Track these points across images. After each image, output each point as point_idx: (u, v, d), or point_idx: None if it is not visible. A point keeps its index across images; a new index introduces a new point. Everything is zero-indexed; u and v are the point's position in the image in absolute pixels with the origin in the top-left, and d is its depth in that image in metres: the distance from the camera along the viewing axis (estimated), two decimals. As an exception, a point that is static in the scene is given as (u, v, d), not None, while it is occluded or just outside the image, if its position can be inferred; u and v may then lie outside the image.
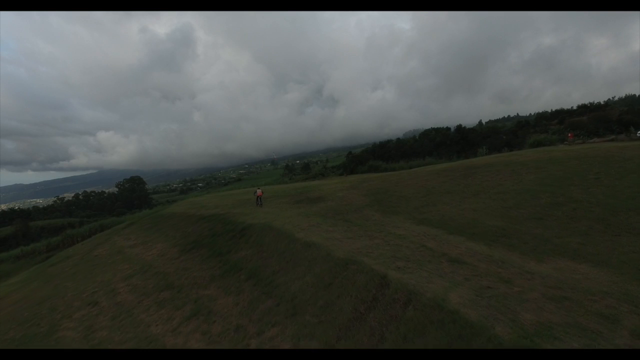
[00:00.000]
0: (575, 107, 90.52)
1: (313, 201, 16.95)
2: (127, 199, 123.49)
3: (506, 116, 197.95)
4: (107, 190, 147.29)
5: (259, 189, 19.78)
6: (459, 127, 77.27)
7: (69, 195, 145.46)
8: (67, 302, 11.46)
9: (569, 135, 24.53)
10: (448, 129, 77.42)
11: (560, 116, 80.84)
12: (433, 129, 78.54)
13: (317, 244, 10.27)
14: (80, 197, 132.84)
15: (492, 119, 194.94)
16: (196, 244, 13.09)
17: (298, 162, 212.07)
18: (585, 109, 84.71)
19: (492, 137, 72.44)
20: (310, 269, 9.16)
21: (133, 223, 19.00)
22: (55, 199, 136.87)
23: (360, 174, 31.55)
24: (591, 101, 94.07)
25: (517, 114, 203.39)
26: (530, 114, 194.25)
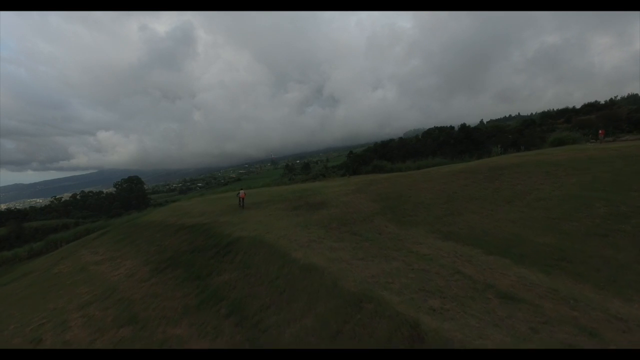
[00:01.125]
0: (580, 106, 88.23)
1: (313, 207, 14.56)
2: (125, 199, 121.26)
3: (507, 115, 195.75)
4: (105, 190, 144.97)
5: (242, 190, 18.90)
6: (463, 126, 74.82)
7: (68, 195, 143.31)
8: (5, 339, 9.08)
9: (600, 132, 22.16)
10: (452, 127, 75.00)
11: (566, 115, 78.43)
12: (436, 127, 76.12)
13: (319, 268, 7.88)
14: (78, 197, 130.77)
15: (494, 118, 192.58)
16: (172, 262, 10.72)
17: (298, 161, 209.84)
18: (591, 108, 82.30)
19: (498, 136, 70.06)
20: (311, 307, 6.77)
21: (106, 232, 16.61)
22: (52, 199, 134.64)
23: (364, 175, 29.13)
24: (593, 100, 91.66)
25: (519, 113, 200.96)
26: (532, 113, 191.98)
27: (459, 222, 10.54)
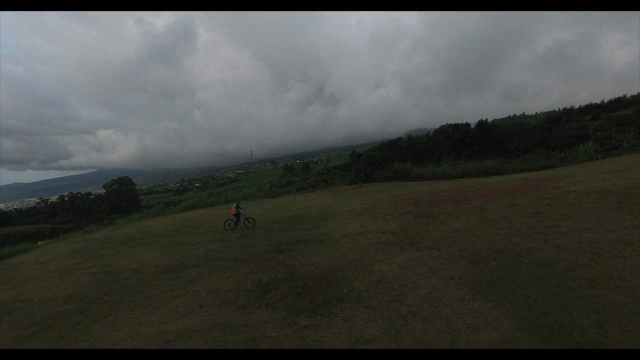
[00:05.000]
0: (589, 103, 79.29)
1: (311, 301, 5.20)
2: (115, 201, 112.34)
3: (512, 115, 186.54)
4: (96, 192, 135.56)
5: (236, 203, 11.41)
6: (481, 123, 65.48)
7: (55, 198, 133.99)
8: None
9: None
10: (467, 124, 65.63)
11: (593, 111, 69.10)
12: (450, 125, 66.72)
13: None
14: (66, 198, 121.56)
15: (498, 117, 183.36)
16: None
17: (298, 161, 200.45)
18: (619, 104, 72.98)
19: (521, 134, 60.74)
20: None
21: None
22: (38, 200, 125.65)
23: (384, 184, 19.73)
24: (599, 100, 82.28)
25: (523, 112, 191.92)
26: (537, 112, 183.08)
27: None
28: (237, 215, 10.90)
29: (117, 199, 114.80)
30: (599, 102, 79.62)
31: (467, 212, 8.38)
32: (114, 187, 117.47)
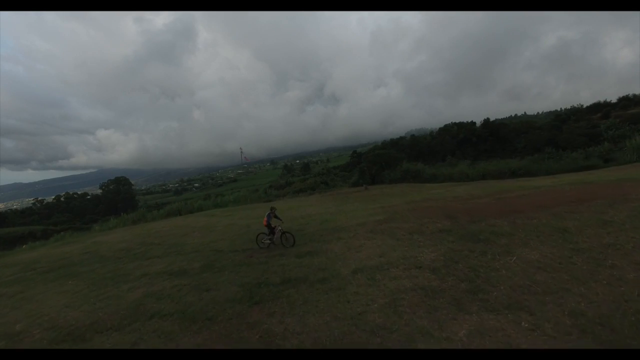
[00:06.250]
0: (589, 103, 76.66)
1: None
2: (111, 201, 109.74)
3: (513, 115, 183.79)
4: (93, 192, 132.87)
5: (271, 209, 8.02)
6: (487, 122, 62.70)
7: (51, 198, 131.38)
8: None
9: None
10: (473, 123, 62.80)
11: (602, 110, 66.36)
12: (454, 123, 63.89)
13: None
14: (62, 199, 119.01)
15: (499, 117, 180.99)
16: None
17: (298, 161, 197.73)
18: (628, 102, 70.21)
19: (530, 133, 57.99)
20: None
21: None
22: (34, 200, 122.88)
23: (392, 186, 16.96)
24: (602, 99, 79.32)
25: (525, 112, 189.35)
26: (539, 112, 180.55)
27: None
28: (270, 227, 7.67)
29: (114, 199, 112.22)
30: (602, 101, 76.74)
31: (536, 232, 5.64)
32: (111, 187, 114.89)
